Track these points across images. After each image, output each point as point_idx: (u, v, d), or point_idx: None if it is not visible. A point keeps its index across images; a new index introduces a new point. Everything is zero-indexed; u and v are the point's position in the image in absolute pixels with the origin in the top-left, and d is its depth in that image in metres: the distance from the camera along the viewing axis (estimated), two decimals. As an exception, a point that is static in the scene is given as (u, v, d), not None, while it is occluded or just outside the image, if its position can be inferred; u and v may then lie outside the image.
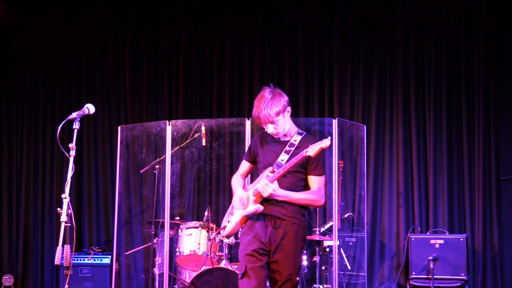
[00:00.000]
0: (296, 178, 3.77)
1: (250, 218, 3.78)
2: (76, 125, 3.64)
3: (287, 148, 3.79)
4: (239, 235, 4.95)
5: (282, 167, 3.69)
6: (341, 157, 6.17)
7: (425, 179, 6.53)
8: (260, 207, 3.71)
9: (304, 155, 3.59)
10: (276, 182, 3.67)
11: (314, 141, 3.69)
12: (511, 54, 6.49)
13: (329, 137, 3.62)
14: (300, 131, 3.88)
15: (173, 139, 5.98)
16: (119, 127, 6.39)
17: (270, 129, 3.79)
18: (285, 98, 3.78)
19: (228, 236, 4.62)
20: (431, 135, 6.52)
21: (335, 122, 5.63)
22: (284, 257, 3.71)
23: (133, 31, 7.34)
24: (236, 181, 4.01)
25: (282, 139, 3.84)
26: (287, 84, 6.83)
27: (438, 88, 6.56)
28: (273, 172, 3.72)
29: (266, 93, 3.76)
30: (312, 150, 3.58)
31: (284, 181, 3.72)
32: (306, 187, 3.81)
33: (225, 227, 3.92)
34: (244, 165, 4.06)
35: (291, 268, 3.72)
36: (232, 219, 3.86)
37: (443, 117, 6.52)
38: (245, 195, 3.84)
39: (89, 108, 3.81)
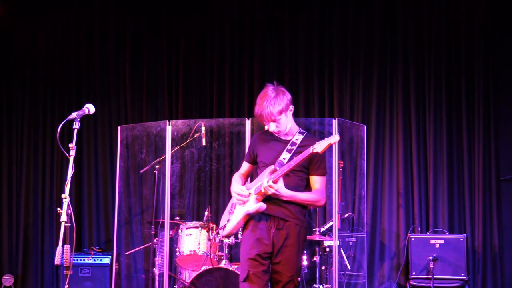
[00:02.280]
0: (299, 178, 3.72)
1: (252, 217, 3.72)
2: (76, 125, 3.63)
3: (288, 147, 3.73)
4: (239, 235, 4.94)
5: (287, 164, 3.59)
6: (341, 157, 6.17)
7: (425, 179, 6.52)
8: (263, 205, 3.64)
9: (311, 151, 3.48)
10: (281, 181, 3.59)
11: (316, 140, 3.58)
12: (511, 54, 6.49)
13: (338, 133, 3.56)
14: (302, 130, 3.83)
15: (173, 139, 5.98)
16: (119, 127, 6.40)
17: (272, 127, 3.74)
18: (288, 97, 3.72)
19: (228, 236, 4.57)
20: (431, 135, 6.51)
21: (335, 122, 5.62)
22: (286, 258, 3.68)
23: (133, 31, 7.33)
24: (236, 179, 3.94)
25: (283, 138, 3.79)
26: (287, 84, 6.81)
27: (438, 88, 6.55)
28: (275, 170, 3.64)
29: (269, 91, 3.70)
30: (320, 146, 3.46)
31: (287, 181, 3.65)
32: (307, 186, 3.77)
33: (224, 226, 3.86)
34: (244, 166, 4.01)
35: (293, 269, 3.69)
36: (232, 218, 3.80)
37: (443, 117, 6.52)
38: (245, 189, 3.77)
39: (89, 108, 3.80)
